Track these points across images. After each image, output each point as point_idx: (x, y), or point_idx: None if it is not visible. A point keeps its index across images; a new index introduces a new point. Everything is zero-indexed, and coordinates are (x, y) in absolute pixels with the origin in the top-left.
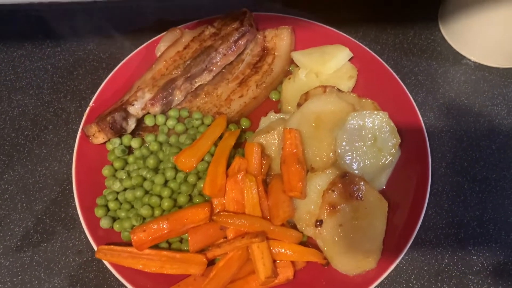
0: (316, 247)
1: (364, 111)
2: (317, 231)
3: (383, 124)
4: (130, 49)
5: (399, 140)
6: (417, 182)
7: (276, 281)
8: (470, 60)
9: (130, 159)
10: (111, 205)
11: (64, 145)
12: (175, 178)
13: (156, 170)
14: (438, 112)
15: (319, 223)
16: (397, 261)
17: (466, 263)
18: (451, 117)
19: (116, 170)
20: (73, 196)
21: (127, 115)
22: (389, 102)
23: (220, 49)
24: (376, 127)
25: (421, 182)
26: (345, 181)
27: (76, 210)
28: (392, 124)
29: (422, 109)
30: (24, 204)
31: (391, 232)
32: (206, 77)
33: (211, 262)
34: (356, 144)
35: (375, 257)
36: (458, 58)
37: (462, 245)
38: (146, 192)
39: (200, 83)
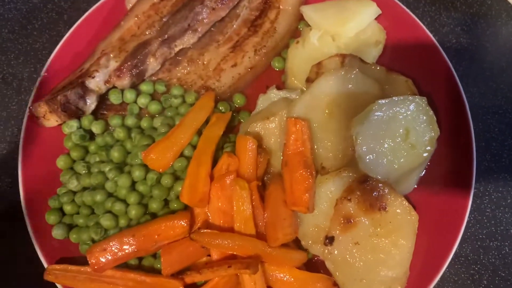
0: (324, 267)
1: (395, 98)
2: (326, 251)
3: (419, 114)
4: None
5: (438, 133)
6: (456, 181)
7: None
8: None
9: (92, 147)
10: (67, 208)
11: (15, 121)
12: (145, 179)
13: (122, 165)
14: (484, 87)
15: (329, 240)
16: None
17: (510, 286)
18: (500, 95)
19: (74, 161)
20: None
21: (85, 92)
22: (425, 76)
23: (207, 1)
24: (409, 117)
25: (462, 182)
26: (365, 188)
27: None
28: (431, 113)
29: (463, 83)
30: None
31: (420, 253)
32: (189, 39)
33: (193, 285)
34: (382, 141)
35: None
36: None
37: (506, 262)
38: (110, 194)
39: (181, 47)
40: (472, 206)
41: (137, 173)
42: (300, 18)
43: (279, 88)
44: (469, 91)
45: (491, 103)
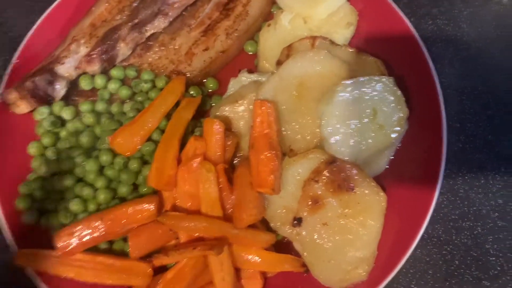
0: (293, 249)
1: (361, 78)
2: (294, 232)
3: (387, 94)
4: None
5: (407, 113)
6: (426, 162)
7: None
8: None
9: (63, 133)
10: (37, 194)
11: None
12: (112, 163)
13: (91, 151)
14: (460, 68)
15: (297, 221)
16: (393, 273)
17: (482, 266)
18: (475, 75)
19: (46, 147)
20: None
21: (54, 78)
22: (397, 58)
23: None
24: (376, 98)
25: (432, 163)
26: (333, 169)
27: None
28: (399, 93)
29: (439, 64)
30: None
31: (389, 234)
32: (160, 24)
33: (163, 268)
34: (348, 122)
35: (366, 268)
36: None
37: (478, 242)
38: (79, 179)
39: (152, 32)
40: (445, 186)
41: (105, 158)
42: (273, 1)
43: (251, 71)
44: (444, 72)
45: (467, 84)
